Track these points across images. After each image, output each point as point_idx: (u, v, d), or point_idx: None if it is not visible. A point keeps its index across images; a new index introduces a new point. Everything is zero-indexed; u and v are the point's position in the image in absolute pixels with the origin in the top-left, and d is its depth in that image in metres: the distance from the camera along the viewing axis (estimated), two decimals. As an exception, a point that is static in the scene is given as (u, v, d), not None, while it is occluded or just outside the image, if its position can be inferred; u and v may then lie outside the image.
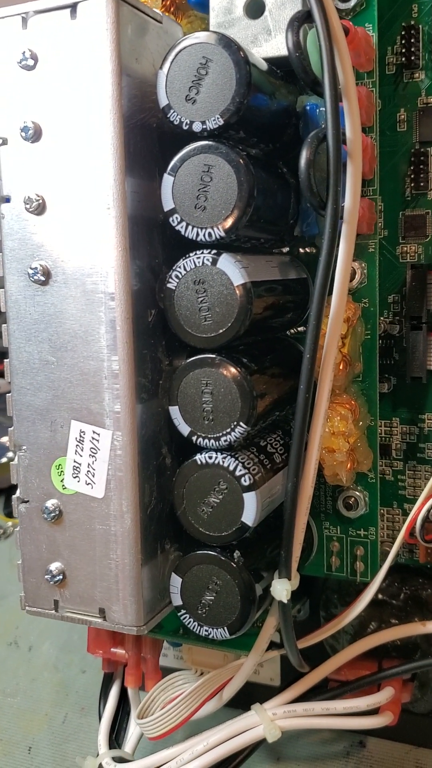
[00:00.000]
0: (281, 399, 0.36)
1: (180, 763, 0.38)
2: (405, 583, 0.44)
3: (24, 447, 0.35)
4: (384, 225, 0.40)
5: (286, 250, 0.40)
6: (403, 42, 0.38)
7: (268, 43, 0.35)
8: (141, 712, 0.40)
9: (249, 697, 0.41)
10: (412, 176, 0.39)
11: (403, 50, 0.38)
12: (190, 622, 0.35)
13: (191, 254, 0.32)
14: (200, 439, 0.33)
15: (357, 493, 0.39)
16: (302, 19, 0.31)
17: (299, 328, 0.41)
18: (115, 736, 0.44)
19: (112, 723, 0.45)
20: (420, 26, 0.38)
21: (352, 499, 0.39)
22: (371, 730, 0.47)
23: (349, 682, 0.41)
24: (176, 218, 0.32)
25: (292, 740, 0.48)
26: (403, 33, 0.38)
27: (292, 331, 0.41)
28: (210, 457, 0.33)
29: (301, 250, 0.39)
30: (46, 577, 0.35)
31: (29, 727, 0.53)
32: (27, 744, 0.51)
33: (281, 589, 0.34)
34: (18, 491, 0.36)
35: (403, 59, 0.38)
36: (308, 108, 0.36)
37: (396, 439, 0.41)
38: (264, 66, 0.34)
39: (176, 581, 0.35)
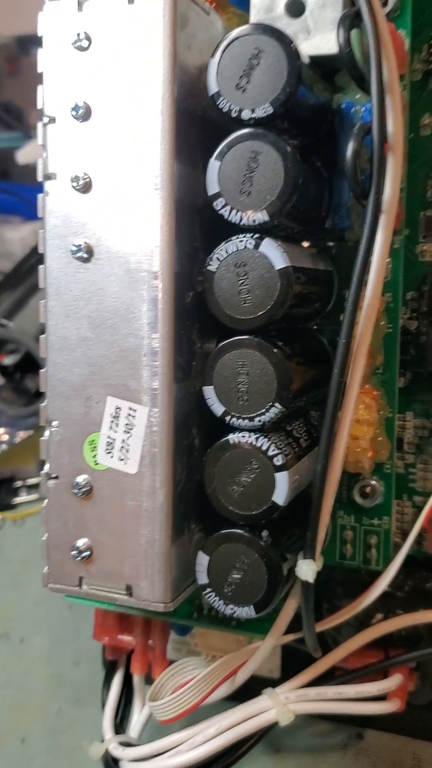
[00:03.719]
0: (307, 386, 0.37)
1: (192, 746, 0.38)
2: (409, 575, 0.45)
3: (55, 422, 0.35)
4: (405, 225, 0.41)
5: (306, 244, 0.41)
6: (430, 50, 0.40)
7: (307, 41, 0.36)
8: (152, 695, 0.40)
9: (247, 689, 0.41)
10: (435, 179, 0.41)
11: (431, 58, 0.40)
12: (215, 600, 0.35)
13: (233, 238, 0.33)
14: (234, 419, 0.34)
15: (373, 482, 0.40)
16: (352, 17, 0.32)
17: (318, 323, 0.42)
18: (119, 724, 0.44)
19: (115, 710, 0.45)
20: (447, 36, 0.40)
21: (369, 488, 0.40)
22: (369, 723, 0.48)
23: (357, 669, 0.41)
24: (221, 202, 0.33)
25: (290, 732, 0.48)
26: (431, 41, 0.40)
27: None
28: (243, 437, 0.34)
29: (329, 243, 0.40)
30: (72, 553, 0.35)
31: (22, 718, 0.52)
32: (20, 735, 0.51)
33: (307, 569, 0.35)
34: (47, 467, 0.36)
35: (430, 66, 0.40)
36: (344, 106, 0.37)
37: (408, 433, 0.42)
38: (307, 62, 0.35)
39: (203, 560, 0.35)
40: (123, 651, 0.46)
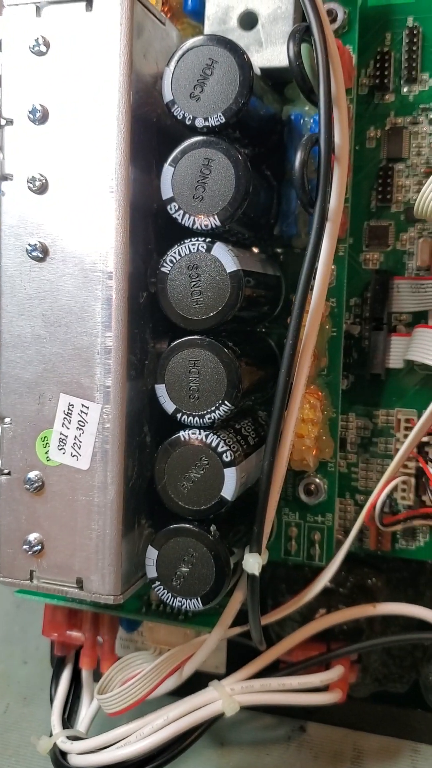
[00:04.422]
0: (256, 385, 0.38)
1: (140, 737, 0.39)
2: (351, 572, 0.46)
3: (8, 419, 0.36)
4: (350, 233, 0.43)
5: (256, 250, 0.42)
6: (377, 66, 0.42)
7: (259, 54, 0.38)
8: (100, 689, 0.41)
9: (194, 686, 0.42)
10: (379, 189, 0.42)
11: (377, 73, 0.42)
12: (164, 593, 0.36)
13: (186, 241, 0.34)
14: (184, 417, 0.35)
15: (317, 480, 0.42)
16: (302, 31, 0.34)
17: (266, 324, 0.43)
18: (67, 719, 0.45)
19: (63, 705, 0.45)
20: (392, 53, 0.42)
21: (313, 485, 0.42)
22: (312, 715, 0.49)
23: (300, 661, 0.43)
24: (174, 206, 0.34)
25: (235, 726, 0.49)
26: (377, 57, 0.42)
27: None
28: (193, 434, 0.35)
29: (278, 250, 0.42)
30: (24, 547, 0.36)
31: (-32, 717, 0.52)
32: (-34, 734, 0.51)
33: (253, 562, 0.36)
34: (-1, 462, 0.36)
35: (376, 81, 0.42)
36: (293, 117, 0.39)
37: (351, 433, 0.44)
38: (259, 74, 0.36)
39: (152, 554, 0.36)
40: (72, 647, 0.46)
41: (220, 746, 0.48)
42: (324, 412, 0.40)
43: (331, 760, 0.47)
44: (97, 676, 0.44)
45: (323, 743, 0.48)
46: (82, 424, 0.35)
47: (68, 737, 0.42)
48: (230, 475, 0.35)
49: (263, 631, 0.42)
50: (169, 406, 0.35)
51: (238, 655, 0.47)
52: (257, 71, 0.36)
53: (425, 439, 0.40)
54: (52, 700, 0.45)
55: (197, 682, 0.42)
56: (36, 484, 0.35)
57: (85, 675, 0.45)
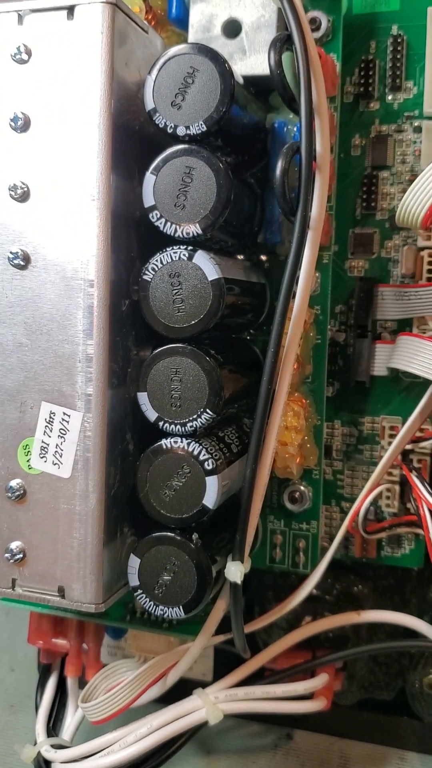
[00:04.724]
0: (239, 393, 0.38)
1: (123, 746, 0.39)
2: (338, 580, 0.46)
3: (-10, 427, 0.36)
4: (335, 241, 0.43)
5: (241, 257, 0.42)
6: (361, 74, 0.42)
7: (242, 62, 0.38)
8: (84, 697, 0.41)
9: (181, 693, 0.42)
10: (364, 197, 0.42)
11: (362, 81, 0.42)
12: (146, 601, 0.36)
13: (168, 249, 0.34)
14: (167, 425, 0.35)
15: (302, 487, 0.42)
16: (283, 40, 0.34)
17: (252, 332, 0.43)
18: (52, 726, 0.45)
19: (48, 713, 0.45)
20: (377, 61, 0.42)
21: (298, 493, 0.42)
22: (299, 723, 0.49)
23: (285, 669, 0.43)
24: (156, 214, 0.34)
25: (221, 734, 0.49)
26: (362, 65, 0.42)
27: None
28: (175, 442, 0.35)
29: (262, 257, 0.42)
30: (5, 555, 0.36)
31: None
32: None
33: (235, 570, 0.36)
34: (-19, 471, 0.36)
35: (361, 89, 0.42)
36: (276, 125, 0.39)
37: (337, 440, 0.44)
38: (242, 82, 0.36)
39: (134, 562, 0.36)
40: (57, 654, 0.46)
41: (207, 754, 0.48)
42: (308, 419, 0.40)
43: (318, 767, 0.47)
44: (83, 683, 0.44)
45: (310, 751, 0.48)
46: (64, 432, 0.35)
47: (52, 746, 0.42)
48: (212, 483, 0.35)
49: (249, 639, 0.42)
50: (152, 414, 0.35)
51: (225, 662, 0.47)
52: (239, 79, 0.36)
53: (409, 446, 0.40)
54: (37, 708, 0.45)
55: (184, 689, 0.42)
56: (18, 492, 0.35)
57: (71, 683, 0.45)
